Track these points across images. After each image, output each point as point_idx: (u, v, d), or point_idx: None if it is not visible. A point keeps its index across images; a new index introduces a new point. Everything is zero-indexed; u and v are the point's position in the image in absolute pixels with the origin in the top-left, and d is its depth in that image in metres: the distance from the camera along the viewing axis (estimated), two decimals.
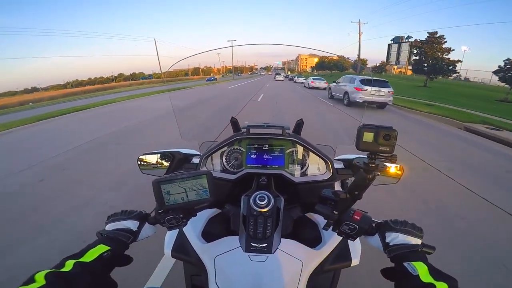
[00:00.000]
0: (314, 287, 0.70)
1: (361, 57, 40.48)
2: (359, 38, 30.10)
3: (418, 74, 28.99)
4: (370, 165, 0.50)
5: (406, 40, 38.54)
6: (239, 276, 0.59)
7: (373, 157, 0.50)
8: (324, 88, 16.81)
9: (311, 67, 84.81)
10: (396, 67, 44.83)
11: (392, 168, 0.89)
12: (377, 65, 39.71)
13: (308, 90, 17.51)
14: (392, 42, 41.55)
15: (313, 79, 19.60)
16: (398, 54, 39.92)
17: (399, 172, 0.90)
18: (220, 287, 0.58)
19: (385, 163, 0.52)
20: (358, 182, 0.53)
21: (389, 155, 0.48)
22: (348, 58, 43.98)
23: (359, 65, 30.48)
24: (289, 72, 79.39)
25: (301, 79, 27.78)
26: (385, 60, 42.07)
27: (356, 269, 0.75)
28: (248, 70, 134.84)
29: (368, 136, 0.48)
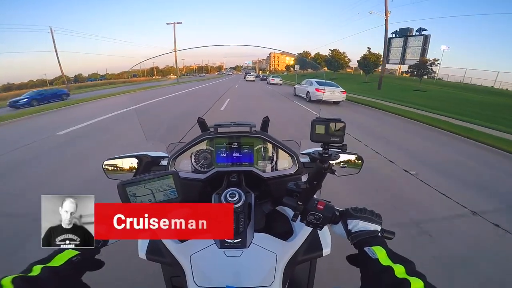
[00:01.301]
0: (292, 278, 0.81)
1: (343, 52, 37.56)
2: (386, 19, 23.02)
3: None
4: (324, 155, 0.60)
5: (417, 34, 34.29)
6: (216, 272, 0.66)
7: (326, 148, 0.60)
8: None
9: (288, 65, 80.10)
10: (400, 67, 38.94)
11: (353, 160, 1.08)
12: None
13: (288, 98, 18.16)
14: (394, 35, 36.27)
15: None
16: (404, 51, 35.70)
17: (359, 162, 1.08)
18: (198, 285, 0.64)
19: (339, 154, 0.64)
20: (316, 172, 0.64)
21: (340, 144, 0.59)
22: (344, 53, 37.34)
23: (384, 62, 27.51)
24: (260, 72, 79.41)
25: (277, 80, 27.36)
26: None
27: (331, 258, 0.88)
28: (215, 70, 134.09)
29: (320, 129, 0.57)
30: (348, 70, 49.46)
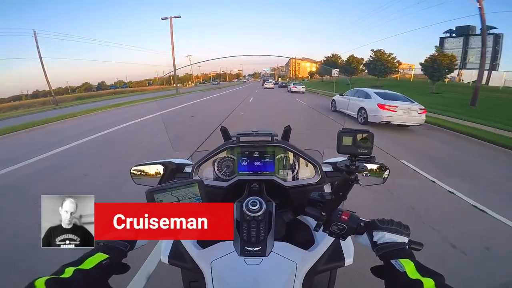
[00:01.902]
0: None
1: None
2: None
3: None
4: (350, 167, 0.61)
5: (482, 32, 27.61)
6: (235, 279, 0.68)
7: (353, 159, 0.61)
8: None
9: (311, 72, 76.42)
10: (462, 72, 33.31)
11: (377, 169, 1.08)
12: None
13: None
14: (448, 35, 31.88)
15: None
16: (465, 53, 31.06)
17: (384, 172, 1.09)
18: None
19: (366, 164, 0.64)
20: (342, 183, 0.64)
21: (368, 156, 0.59)
22: (391, 54, 30.95)
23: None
24: (279, 79, 79.62)
25: (300, 87, 24.90)
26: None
27: (352, 269, 0.84)
28: (233, 77, 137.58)
29: (347, 140, 0.59)
30: (394, 75, 41.96)
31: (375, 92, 8.52)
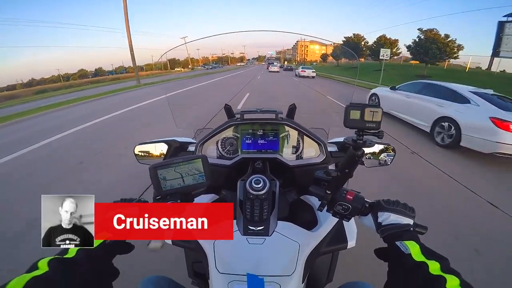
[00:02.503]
0: (313, 269, 0.85)
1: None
2: None
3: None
4: (358, 141, 0.61)
5: None
6: (238, 259, 0.71)
7: (360, 134, 0.61)
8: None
9: (325, 54, 67.71)
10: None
11: (382, 150, 1.11)
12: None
13: None
14: (510, 19, 26.29)
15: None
16: None
17: (390, 153, 1.11)
18: (220, 271, 0.69)
19: (373, 140, 0.66)
20: (348, 159, 0.65)
21: (376, 131, 0.59)
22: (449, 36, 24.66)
23: None
24: (286, 63, 78.35)
25: (309, 71, 23.06)
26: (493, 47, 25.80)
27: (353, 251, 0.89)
28: (236, 61, 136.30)
29: (355, 114, 0.59)
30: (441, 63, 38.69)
31: (477, 93, 4.71)
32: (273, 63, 45.75)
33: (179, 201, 0.68)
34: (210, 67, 64.20)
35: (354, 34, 40.41)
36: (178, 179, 0.69)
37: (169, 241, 0.83)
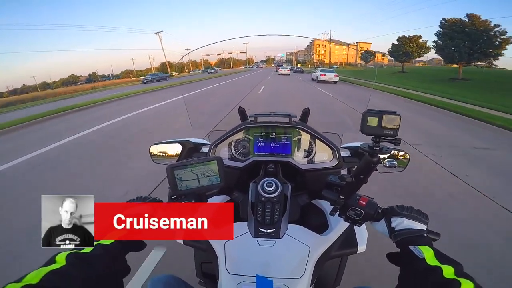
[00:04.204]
0: (321, 273, 0.93)
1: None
2: None
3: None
4: (374, 148, 0.69)
5: None
6: (247, 260, 0.80)
7: (377, 141, 0.69)
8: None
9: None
10: None
11: (396, 156, 1.22)
12: None
13: None
14: None
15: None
16: None
17: (405, 160, 1.22)
18: (230, 272, 0.78)
19: (389, 147, 0.72)
20: (363, 166, 0.73)
21: (393, 138, 0.66)
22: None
23: None
24: (299, 65, 77.96)
25: (331, 75, 22.23)
26: None
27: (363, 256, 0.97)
28: (241, 64, 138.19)
29: (373, 121, 0.66)
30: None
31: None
32: (282, 66, 47.39)
33: (193, 201, 0.77)
34: (211, 71, 58.08)
35: (411, 36, 36.85)
36: (194, 180, 0.79)
37: (180, 241, 0.93)
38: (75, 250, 0.62)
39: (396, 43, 34.76)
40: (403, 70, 32.45)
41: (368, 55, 58.75)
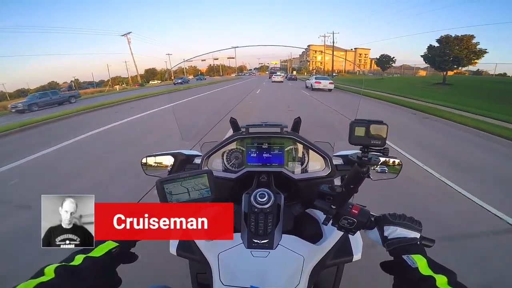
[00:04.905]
0: (317, 283, 0.99)
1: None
2: None
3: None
4: (363, 158, 0.73)
5: None
6: (242, 271, 0.85)
7: (365, 151, 0.73)
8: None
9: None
10: None
11: (389, 163, 1.30)
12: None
13: None
14: None
15: (317, 78, 24.54)
16: None
17: (397, 167, 1.30)
18: (224, 283, 0.83)
19: (379, 157, 0.78)
20: (353, 176, 0.78)
21: (381, 148, 0.71)
22: None
23: None
24: (294, 72, 77.49)
25: (325, 82, 22.43)
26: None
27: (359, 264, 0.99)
28: (232, 71, 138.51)
29: (360, 131, 0.71)
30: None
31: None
32: (275, 73, 48.12)
33: None
34: (180, 81, 47.34)
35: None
36: (184, 193, 0.84)
37: (174, 253, 0.99)
38: (63, 263, 0.64)
39: (437, 44, 28.14)
40: (444, 81, 26.52)
41: (385, 59, 50.56)
